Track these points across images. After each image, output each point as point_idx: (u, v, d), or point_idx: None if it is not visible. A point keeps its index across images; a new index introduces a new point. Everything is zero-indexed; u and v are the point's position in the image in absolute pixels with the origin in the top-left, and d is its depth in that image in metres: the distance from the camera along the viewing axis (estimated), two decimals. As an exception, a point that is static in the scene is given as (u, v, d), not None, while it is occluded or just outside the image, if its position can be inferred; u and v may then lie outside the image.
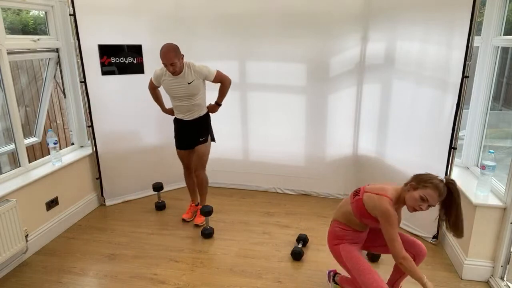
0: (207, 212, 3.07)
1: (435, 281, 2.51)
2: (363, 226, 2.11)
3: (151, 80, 3.07)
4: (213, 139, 3.24)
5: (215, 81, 2.99)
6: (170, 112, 3.19)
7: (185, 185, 3.47)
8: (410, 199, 1.91)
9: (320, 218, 3.37)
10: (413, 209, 1.91)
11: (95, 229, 3.25)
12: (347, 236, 2.11)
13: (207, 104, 3.15)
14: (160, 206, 3.57)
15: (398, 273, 2.21)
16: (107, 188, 3.65)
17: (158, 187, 3.59)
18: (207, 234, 3.08)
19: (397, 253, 1.88)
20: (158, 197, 3.62)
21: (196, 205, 3.44)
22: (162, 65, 2.84)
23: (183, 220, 3.34)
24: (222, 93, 3.09)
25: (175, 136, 3.21)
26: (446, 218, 1.93)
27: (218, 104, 3.15)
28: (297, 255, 2.73)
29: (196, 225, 3.25)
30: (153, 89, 3.12)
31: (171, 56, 2.73)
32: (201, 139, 3.10)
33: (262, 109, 3.79)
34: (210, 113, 3.18)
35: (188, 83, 2.88)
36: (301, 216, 3.41)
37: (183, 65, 2.86)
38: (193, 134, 3.10)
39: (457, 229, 1.90)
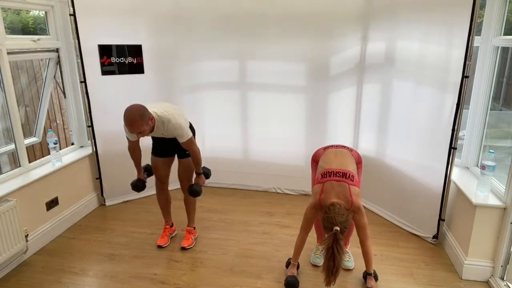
0: (194, 192, 2.70)
1: (435, 281, 2.51)
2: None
3: (128, 141, 2.66)
4: None
5: (183, 145, 2.60)
6: (141, 175, 2.82)
7: None
8: None
9: (320, 218, 3.37)
10: None
11: (95, 229, 3.25)
12: None
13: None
14: (138, 186, 2.80)
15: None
16: (107, 188, 3.65)
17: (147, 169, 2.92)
18: (194, 191, 2.70)
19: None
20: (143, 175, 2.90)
21: (171, 226, 3.05)
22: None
23: (159, 246, 2.92)
24: (196, 163, 2.72)
25: (153, 140, 2.83)
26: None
27: (198, 173, 2.77)
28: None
29: (183, 248, 2.90)
30: (133, 149, 2.70)
31: (138, 125, 2.29)
32: (186, 152, 2.73)
33: (262, 109, 3.79)
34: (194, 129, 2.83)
35: (163, 134, 2.57)
36: (301, 216, 3.40)
37: (154, 123, 2.45)
38: (174, 142, 2.67)
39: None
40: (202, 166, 2.81)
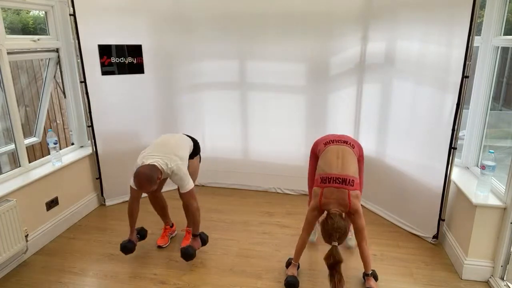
0: (188, 255, 2.57)
1: (435, 281, 2.51)
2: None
3: (131, 190, 2.62)
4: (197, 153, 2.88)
5: (183, 195, 2.61)
6: (133, 236, 2.75)
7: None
8: None
9: (320, 218, 3.37)
10: None
11: (95, 229, 3.25)
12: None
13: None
14: (127, 247, 2.68)
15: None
16: (107, 188, 3.65)
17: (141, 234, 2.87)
18: (187, 254, 2.57)
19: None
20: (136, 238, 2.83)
21: (171, 227, 3.06)
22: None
23: (159, 246, 2.92)
24: (194, 222, 2.67)
25: None
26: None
27: (195, 235, 2.70)
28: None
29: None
30: (135, 200, 2.67)
31: (147, 188, 2.40)
32: (191, 156, 2.76)
33: (262, 109, 3.79)
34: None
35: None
36: (301, 216, 3.40)
37: (162, 177, 2.51)
38: None
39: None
40: (200, 231, 2.75)
